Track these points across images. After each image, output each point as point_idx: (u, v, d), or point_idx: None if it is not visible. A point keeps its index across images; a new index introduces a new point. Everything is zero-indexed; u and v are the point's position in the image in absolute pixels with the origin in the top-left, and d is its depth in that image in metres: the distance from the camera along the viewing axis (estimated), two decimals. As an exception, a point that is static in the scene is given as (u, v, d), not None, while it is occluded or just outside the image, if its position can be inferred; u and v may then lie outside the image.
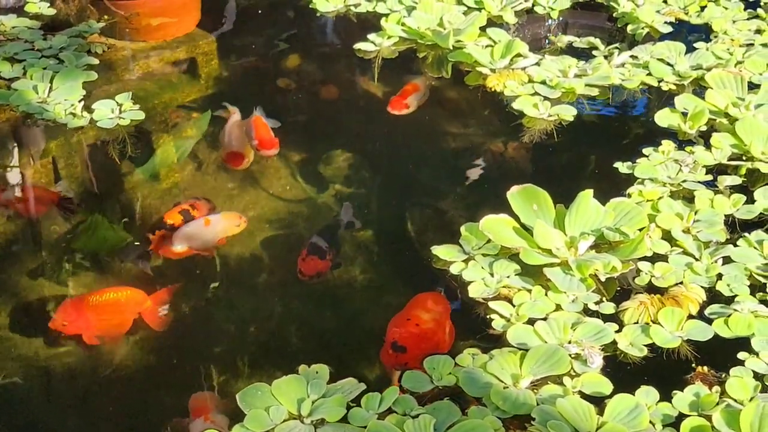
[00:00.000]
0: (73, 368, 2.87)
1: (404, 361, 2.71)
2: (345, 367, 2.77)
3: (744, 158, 3.49)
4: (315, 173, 3.76)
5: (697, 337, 2.75)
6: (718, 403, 2.48)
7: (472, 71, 4.15)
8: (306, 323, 3.04)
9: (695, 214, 3.17)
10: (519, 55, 4.13)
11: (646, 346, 2.72)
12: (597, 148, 3.80)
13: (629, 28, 4.48)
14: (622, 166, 3.48)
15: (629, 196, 3.28)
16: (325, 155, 3.86)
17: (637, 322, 2.80)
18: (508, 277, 2.96)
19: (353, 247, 3.36)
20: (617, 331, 2.76)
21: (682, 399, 2.53)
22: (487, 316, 2.85)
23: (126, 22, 4.50)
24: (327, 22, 4.83)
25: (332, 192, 3.65)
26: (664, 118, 3.73)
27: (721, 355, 2.69)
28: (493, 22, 4.48)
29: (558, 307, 2.85)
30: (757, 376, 2.60)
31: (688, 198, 3.29)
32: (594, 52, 4.27)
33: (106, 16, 4.52)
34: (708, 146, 3.54)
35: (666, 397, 2.54)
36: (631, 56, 4.16)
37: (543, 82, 3.98)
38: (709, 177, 3.40)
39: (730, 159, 3.48)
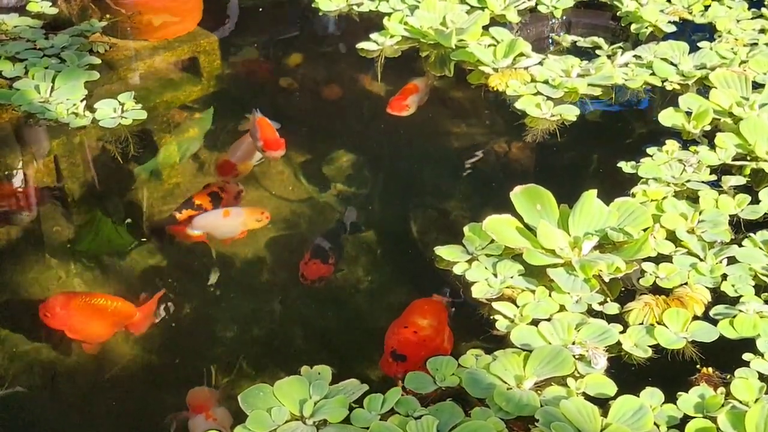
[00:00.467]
0: (76, 368, 2.86)
1: (404, 369, 2.69)
2: (347, 367, 2.77)
3: (748, 158, 3.47)
4: (317, 173, 3.75)
5: (702, 338, 2.74)
6: (723, 405, 2.47)
7: (475, 70, 4.14)
8: (308, 323, 3.04)
9: (700, 214, 3.16)
10: (522, 54, 4.12)
11: (650, 347, 2.71)
12: (600, 148, 3.79)
13: (633, 27, 4.46)
14: (625, 166, 3.47)
15: (633, 195, 3.26)
16: (327, 155, 3.85)
17: (641, 323, 2.79)
18: (511, 277, 2.95)
19: (356, 247, 3.36)
20: (622, 332, 2.75)
21: (687, 400, 2.52)
22: (491, 317, 2.84)
23: (128, 21, 4.50)
24: (329, 21, 4.82)
25: (335, 192, 3.64)
26: (668, 117, 3.72)
27: (726, 356, 2.68)
28: (496, 21, 4.46)
29: (562, 308, 2.84)
30: (763, 378, 2.59)
31: (693, 198, 3.28)
32: (597, 52, 4.25)
33: (108, 15, 4.51)
34: (712, 146, 3.53)
35: (671, 398, 2.53)
36: (635, 56, 4.14)
37: (546, 82, 3.96)
38: (714, 177, 3.39)
39: (734, 159, 3.47)
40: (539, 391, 2.56)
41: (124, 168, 3.72)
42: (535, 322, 2.78)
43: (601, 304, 2.86)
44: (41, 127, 3.84)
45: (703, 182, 3.35)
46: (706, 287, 2.90)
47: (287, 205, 3.56)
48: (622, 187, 3.32)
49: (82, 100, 3.87)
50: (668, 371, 2.67)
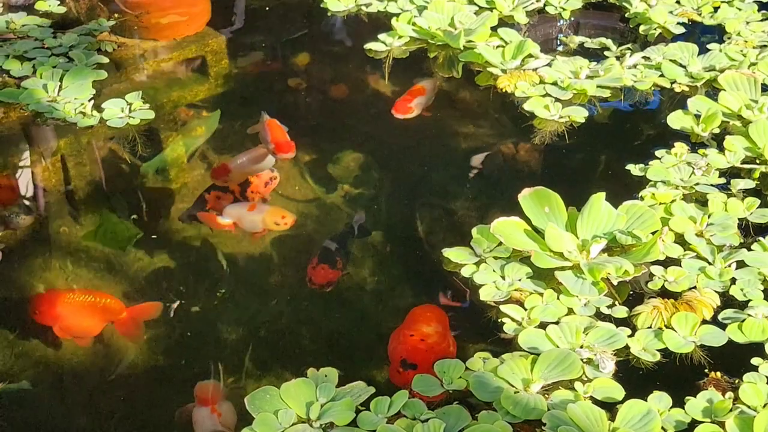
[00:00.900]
0: (82, 367, 2.87)
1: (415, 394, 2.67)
2: (354, 369, 2.76)
3: (758, 161, 3.46)
4: (324, 173, 3.75)
5: (711, 343, 2.73)
6: (731, 410, 2.46)
7: (483, 71, 4.13)
8: (315, 324, 3.03)
9: (708, 217, 3.14)
10: (530, 55, 4.11)
11: (659, 351, 2.70)
12: (609, 150, 3.78)
13: (641, 28, 4.45)
14: (634, 169, 3.46)
15: (642, 198, 3.26)
16: (334, 155, 3.85)
17: (650, 327, 2.78)
18: (519, 280, 2.94)
19: (363, 248, 3.35)
20: (630, 336, 2.74)
21: (695, 405, 2.51)
22: (499, 320, 2.83)
23: (136, 20, 4.50)
24: (338, 21, 4.82)
25: (342, 192, 3.64)
26: (676, 120, 3.71)
27: (735, 360, 2.67)
28: (505, 22, 4.45)
29: (570, 311, 2.84)
30: (771, 382, 2.58)
31: (702, 201, 3.27)
32: (606, 53, 4.24)
33: (116, 15, 4.52)
34: (721, 149, 3.52)
35: (679, 403, 2.52)
36: (644, 57, 4.13)
37: (554, 84, 3.95)
38: (723, 180, 3.37)
39: (743, 162, 3.45)
40: (547, 395, 2.56)
41: (132, 167, 3.72)
42: (543, 326, 2.77)
43: (609, 307, 2.86)
44: (49, 127, 3.84)
45: (712, 185, 3.33)
46: (715, 291, 2.89)
47: (294, 205, 3.55)
48: (630, 190, 3.31)
49: (89, 100, 3.87)
50: (676, 375, 2.66)
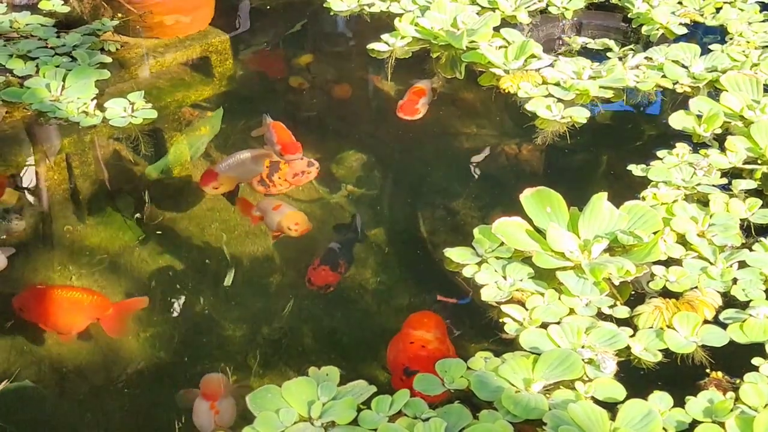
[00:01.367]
0: (85, 365, 2.87)
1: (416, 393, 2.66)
2: (356, 368, 2.77)
3: (759, 162, 3.46)
4: (327, 173, 3.75)
5: (712, 343, 2.73)
6: (732, 410, 2.46)
7: (486, 72, 4.13)
8: (317, 323, 3.04)
9: (710, 217, 3.15)
10: (533, 56, 4.12)
11: (660, 351, 2.70)
12: (611, 151, 3.78)
13: (644, 29, 4.45)
14: (636, 169, 3.46)
15: (643, 199, 3.26)
16: (337, 155, 3.86)
17: (651, 327, 2.78)
18: (521, 280, 2.95)
19: (365, 248, 3.36)
20: (631, 336, 2.74)
21: (696, 405, 2.51)
22: (500, 320, 2.84)
23: (139, 19, 4.51)
24: (340, 21, 4.82)
25: (344, 192, 3.64)
26: (678, 120, 3.71)
27: (736, 360, 2.67)
28: (507, 22, 4.46)
29: (571, 311, 2.84)
30: (772, 383, 2.58)
31: (703, 202, 3.27)
32: (608, 54, 4.25)
33: (119, 14, 4.52)
34: (723, 149, 3.52)
35: (679, 403, 2.52)
36: (646, 58, 4.13)
37: (557, 84, 3.96)
38: (724, 180, 3.37)
39: (745, 162, 3.46)
40: (548, 395, 2.56)
41: (135, 167, 3.73)
42: (544, 326, 2.78)
43: (610, 307, 2.86)
44: (52, 126, 3.85)
45: (713, 186, 3.34)
46: (717, 291, 2.90)
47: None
48: (632, 190, 3.32)
49: (92, 99, 3.88)
50: (677, 375, 2.66)
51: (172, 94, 4.16)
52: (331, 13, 4.68)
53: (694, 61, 4.05)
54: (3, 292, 3.08)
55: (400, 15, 4.49)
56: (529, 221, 3.08)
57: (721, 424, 2.43)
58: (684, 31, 4.40)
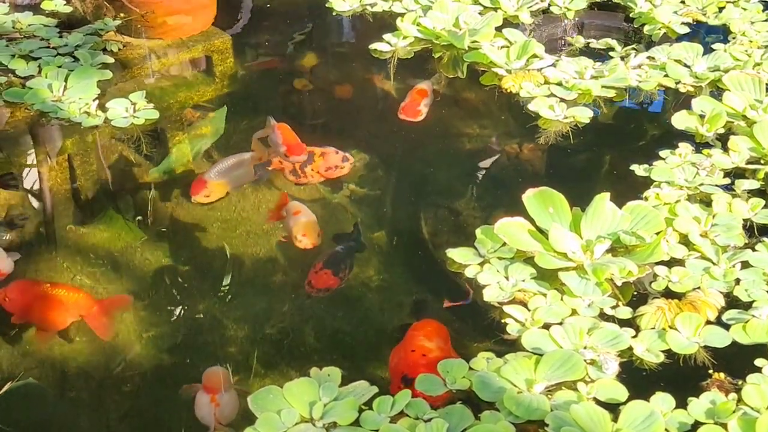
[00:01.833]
0: (87, 366, 2.87)
1: (417, 393, 2.67)
2: (358, 368, 2.77)
3: (762, 162, 3.46)
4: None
5: (715, 344, 2.72)
6: (734, 411, 2.46)
7: (488, 72, 4.13)
8: (319, 323, 3.03)
9: (713, 218, 3.14)
10: (535, 56, 4.11)
11: (662, 351, 2.70)
12: (613, 151, 3.78)
13: (646, 28, 4.45)
14: (638, 169, 3.46)
15: (646, 199, 3.25)
16: (339, 155, 3.85)
17: (653, 328, 2.78)
18: (523, 281, 2.94)
19: (368, 248, 3.35)
20: (633, 337, 2.74)
21: (698, 406, 2.51)
22: (502, 321, 2.84)
23: (142, 19, 4.51)
24: (343, 21, 4.82)
25: (347, 192, 3.64)
26: (681, 120, 3.71)
27: (739, 361, 2.66)
28: (509, 22, 4.46)
29: (573, 312, 2.84)
30: (775, 384, 2.58)
31: (706, 202, 3.27)
32: (610, 53, 4.24)
33: (122, 14, 4.52)
34: (725, 149, 3.52)
35: (682, 404, 2.51)
36: (648, 57, 4.13)
37: (559, 84, 3.96)
38: (727, 180, 3.37)
39: (748, 162, 3.45)
40: (550, 396, 2.56)
41: (138, 167, 3.73)
42: (546, 326, 2.77)
43: (613, 308, 2.86)
44: (54, 126, 3.85)
45: (716, 186, 3.33)
46: (719, 292, 2.89)
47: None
48: (634, 190, 3.31)
49: (94, 100, 3.88)
50: (680, 376, 2.66)
51: (174, 95, 4.16)
52: (334, 13, 4.67)
53: (697, 61, 4.04)
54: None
55: (402, 15, 4.49)
56: (532, 221, 3.08)
57: (724, 426, 2.43)
58: (686, 30, 4.40)
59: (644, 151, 3.59)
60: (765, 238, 3.08)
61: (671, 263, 3.00)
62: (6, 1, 4.61)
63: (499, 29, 4.30)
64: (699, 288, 2.91)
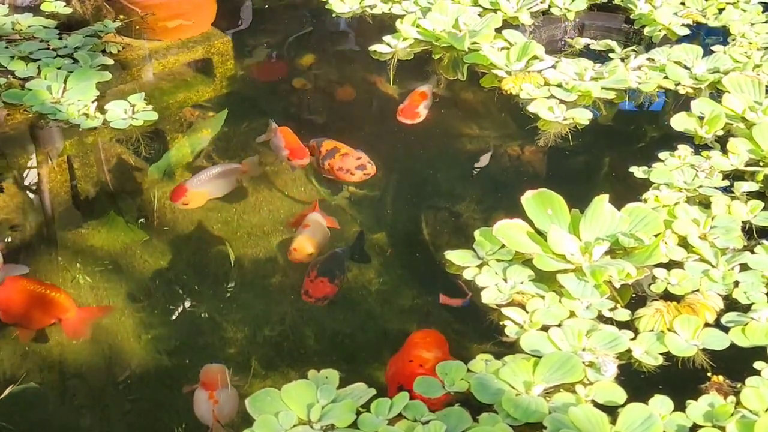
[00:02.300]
0: (87, 367, 2.88)
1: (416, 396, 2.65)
2: (356, 370, 2.77)
3: (761, 164, 3.45)
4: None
5: (713, 346, 2.72)
6: (733, 414, 2.46)
7: (488, 73, 4.13)
8: (318, 325, 3.03)
9: (712, 220, 3.14)
10: (535, 57, 4.11)
11: (661, 354, 2.70)
12: (612, 152, 3.78)
13: (646, 30, 4.45)
14: (637, 171, 3.45)
15: (645, 201, 3.25)
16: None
17: (652, 330, 2.77)
18: (521, 283, 2.94)
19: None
20: (632, 339, 2.74)
21: (697, 409, 2.51)
22: (501, 323, 2.83)
23: (142, 21, 4.51)
24: (342, 23, 4.82)
25: (346, 194, 3.64)
26: (680, 122, 3.70)
27: (737, 364, 2.66)
28: (509, 23, 4.46)
29: (572, 314, 2.84)
30: (773, 386, 2.58)
31: (705, 204, 3.26)
32: (610, 55, 4.24)
33: (121, 16, 4.53)
34: (725, 151, 3.52)
35: (680, 406, 2.51)
36: (648, 59, 4.13)
37: (559, 85, 3.95)
38: (726, 182, 3.37)
39: (747, 164, 3.45)
40: (548, 398, 2.56)
41: (137, 168, 3.73)
42: (545, 328, 2.78)
43: (611, 310, 2.85)
44: (53, 128, 3.85)
45: (715, 188, 3.33)
46: (718, 294, 2.89)
47: (299, 207, 3.56)
48: (633, 192, 3.31)
49: (93, 101, 3.88)
50: (678, 379, 2.66)
51: (173, 96, 4.16)
52: (333, 15, 4.67)
53: (696, 63, 4.04)
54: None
55: (402, 16, 4.49)
56: (530, 223, 3.08)
57: (722, 429, 2.43)
58: (686, 32, 4.39)
59: (643, 153, 3.59)
60: (764, 241, 3.07)
61: (670, 265, 3.00)
62: (6, 3, 4.61)
63: (498, 31, 4.30)
64: (698, 290, 2.90)
